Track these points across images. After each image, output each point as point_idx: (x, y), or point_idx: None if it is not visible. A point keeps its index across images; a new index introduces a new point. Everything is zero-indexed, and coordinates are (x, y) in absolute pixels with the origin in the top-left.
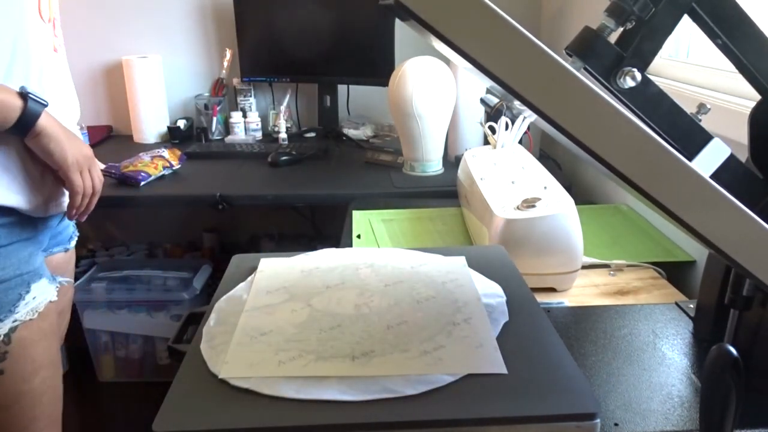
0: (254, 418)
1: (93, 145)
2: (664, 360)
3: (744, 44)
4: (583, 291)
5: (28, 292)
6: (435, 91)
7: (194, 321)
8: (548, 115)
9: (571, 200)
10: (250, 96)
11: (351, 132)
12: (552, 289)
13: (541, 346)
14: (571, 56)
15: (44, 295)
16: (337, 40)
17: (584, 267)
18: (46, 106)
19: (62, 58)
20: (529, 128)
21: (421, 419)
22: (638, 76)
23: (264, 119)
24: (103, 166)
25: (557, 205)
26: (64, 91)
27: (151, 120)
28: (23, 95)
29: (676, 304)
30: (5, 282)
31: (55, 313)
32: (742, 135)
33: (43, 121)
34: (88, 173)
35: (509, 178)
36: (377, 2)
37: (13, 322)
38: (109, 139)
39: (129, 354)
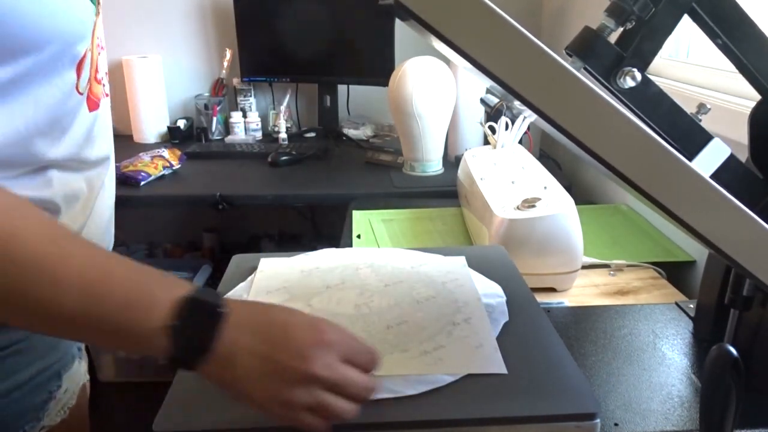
0: (254, 418)
1: None
2: (664, 360)
3: (744, 44)
4: (583, 291)
5: (59, 386)
6: (435, 91)
7: None
8: (548, 115)
9: (571, 200)
10: (250, 96)
11: (351, 132)
12: (552, 289)
13: (541, 346)
14: (571, 56)
15: (77, 381)
16: (337, 40)
17: (584, 267)
18: (207, 349)
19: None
20: (529, 128)
21: (421, 419)
22: (638, 76)
23: (264, 119)
24: None
25: (557, 205)
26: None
27: (151, 120)
28: (176, 330)
29: (676, 304)
30: (29, 383)
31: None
32: (742, 135)
33: (207, 371)
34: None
35: (509, 178)
36: (377, 2)
37: (40, 430)
38: None
39: (129, 354)
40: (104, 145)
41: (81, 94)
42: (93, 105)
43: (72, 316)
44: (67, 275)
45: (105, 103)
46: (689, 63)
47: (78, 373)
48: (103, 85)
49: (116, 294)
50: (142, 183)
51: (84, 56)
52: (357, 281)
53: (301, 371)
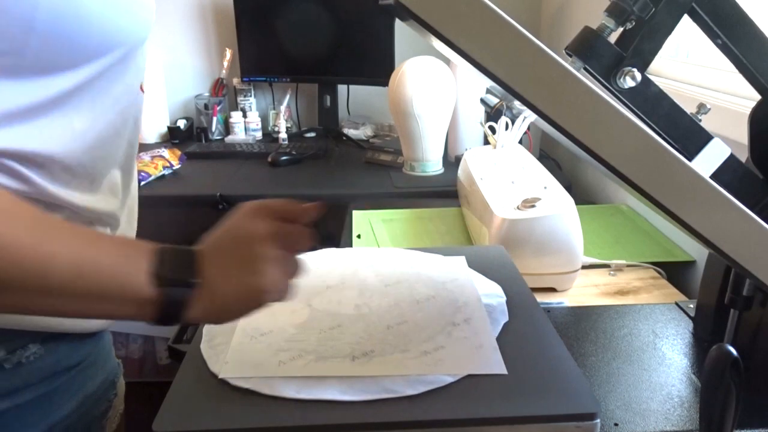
0: (254, 418)
1: None
2: (664, 360)
3: (744, 44)
4: (583, 291)
5: (115, 394)
6: (435, 91)
7: None
8: (548, 115)
9: (571, 200)
10: (250, 96)
11: (351, 132)
12: (552, 289)
13: (541, 346)
14: (571, 56)
15: (122, 388)
16: (337, 40)
17: (584, 267)
18: (193, 286)
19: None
20: (529, 128)
21: (421, 419)
22: (638, 76)
23: (264, 119)
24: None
25: (557, 205)
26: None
27: (151, 120)
28: (160, 277)
29: (676, 304)
30: (94, 394)
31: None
32: (742, 135)
33: (194, 313)
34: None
35: (509, 178)
36: (377, 2)
37: None
38: None
39: (129, 354)
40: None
41: (143, 92)
42: None
43: (62, 287)
44: (55, 247)
45: None
46: (689, 63)
47: (122, 381)
48: None
49: (104, 253)
50: (142, 183)
51: (145, 58)
52: (357, 281)
53: (253, 245)
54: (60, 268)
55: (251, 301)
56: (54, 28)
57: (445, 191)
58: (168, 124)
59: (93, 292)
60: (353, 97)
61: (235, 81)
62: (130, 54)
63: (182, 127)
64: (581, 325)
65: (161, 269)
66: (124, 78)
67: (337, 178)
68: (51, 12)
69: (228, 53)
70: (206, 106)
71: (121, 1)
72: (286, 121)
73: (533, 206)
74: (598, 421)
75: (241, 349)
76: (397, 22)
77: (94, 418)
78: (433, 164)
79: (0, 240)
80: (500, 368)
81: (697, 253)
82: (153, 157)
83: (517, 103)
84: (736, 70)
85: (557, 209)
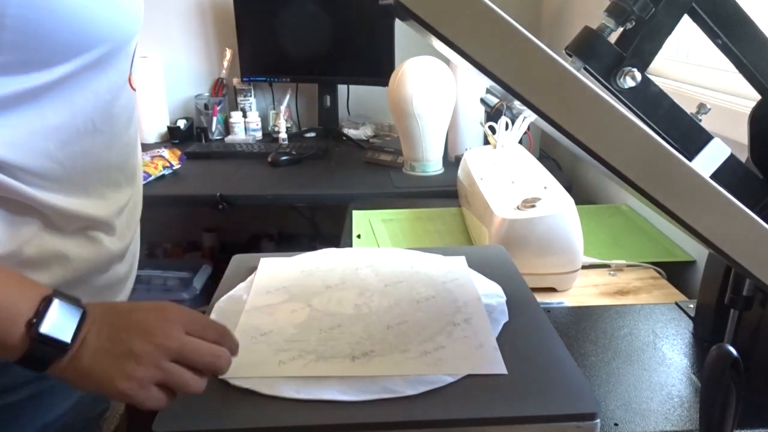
0: (254, 418)
1: None
2: (664, 360)
3: (744, 44)
4: (583, 291)
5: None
6: (435, 91)
7: None
8: (548, 115)
9: (571, 200)
10: (250, 96)
11: (351, 132)
12: (552, 289)
13: (541, 346)
14: (571, 56)
15: None
16: (337, 40)
17: (584, 267)
18: (65, 349)
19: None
20: (529, 128)
21: (421, 419)
22: (638, 76)
23: (264, 119)
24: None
25: (557, 205)
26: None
27: (151, 120)
28: (34, 331)
29: (676, 304)
30: (89, 395)
31: None
32: (742, 135)
33: (56, 370)
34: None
35: (509, 178)
36: (377, 2)
37: None
38: None
39: None
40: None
41: (134, 89)
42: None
43: None
44: None
45: None
46: (689, 63)
47: None
48: None
49: None
50: (142, 183)
51: (134, 51)
52: (357, 281)
53: (143, 343)
54: None
55: (105, 387)
56: (26, 24)
57: (445, 191)
58: (168, 124)
59: None
60: (353, 97)
61: (235, 81)
62: (115, 50)
63: (182, 127)
64: (581, 325)
65: (38, 324)
66: (107, 74)
67: (337, 178)
68: (22, 6)
69: (228, 53)
70: (206, 106)
71: None
72: (286, 121)
73: (533, 206)
74: (598, 421)
75: (241, 349)
76: (397, 22)
77: (91, 419)
78: (433, 164)
79: None
80: (500, 368)
81: (697, 253)
82: (153, 157)
83: (517, 103)
84: (736, 70)
85: (557, 209)
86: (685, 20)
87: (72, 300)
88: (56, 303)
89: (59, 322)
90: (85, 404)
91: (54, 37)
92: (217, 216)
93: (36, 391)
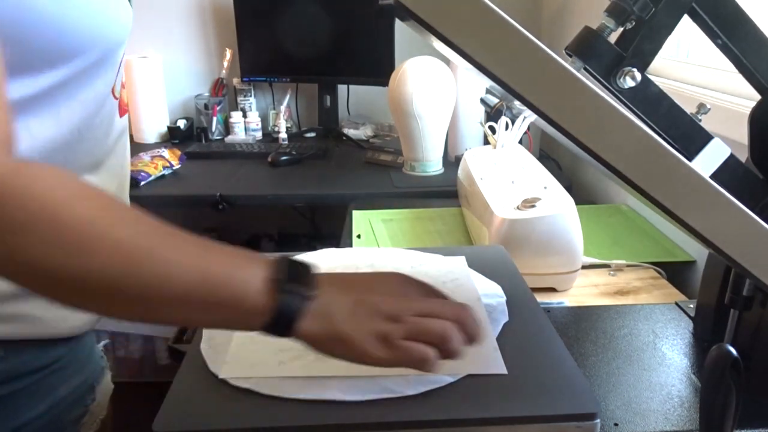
0: (254, 418)
1: None
2: (664, 360)
3: (744, 44)
4: (583, 291)
5: (93, 399)
6: (435, 91)
7: None
8: (548, 115)
9: (571, 200)
10: (250, 96)
11: (351, 132)
12: (552, 289)
13: (541, 346)
14: (571, 56)
15: (106, 392)
16: (337, 40)
17: (584, 267)
18: (308, 298)
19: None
20: (529, 128)
21: (421, 419)
22: (638, 76)
23: (264, 119)
24: None
25: (557, 205)
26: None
27: (151, 120)
28: (278, 284)
29: (676, 304)
30: (66, 399)
31: None
32: (742, 135)
33: (306, 327)
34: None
35: (509, 178)
36: (377, 2)
37: None
38: None
39: (129, 354)
40: (126, 152)
41: (116, 98)
42: (122, 111)
43: (181, 293)
44: (173, 254)
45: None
46: (689, 63)
47: (107, 385)
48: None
49: (218, 262)
50: (142, 183)
51: (121, 60)
52: None
53: (392, 302)
54: (178, 275)
55: (354, 345)
56: (5, 26)
57: (445, 191)
58: (168, 124)
59: (209, 300)
60: (353, 97)
61: (235, 81)
62: (102, 59)
63: (182, 127)
64: (581, 325)
65: (279, 276)
66: (93, 84)
67: (337, 178)
68: (1, 8)
69: (228, 53)
70: (206, 106)
71: (89, 2)
72: (286, 121)
73: (533, 206)
74: (598, 421)
75: (241, 349)
76: (397, 22)
77: (66, 423)
78: (433, 164)
79: (120, 246)
80: (500, 368)
81: (697, 253)
82: (153, 157)
83: (517, 103)
84: (736, 70)
85: (557, 209)
86: (685, 20)
87: (297, 259)
88: (287, 260)
89: (297, 276)
90: (61, 407)
91: (37, 42)
92: (217, 216)
93: (7, 392)
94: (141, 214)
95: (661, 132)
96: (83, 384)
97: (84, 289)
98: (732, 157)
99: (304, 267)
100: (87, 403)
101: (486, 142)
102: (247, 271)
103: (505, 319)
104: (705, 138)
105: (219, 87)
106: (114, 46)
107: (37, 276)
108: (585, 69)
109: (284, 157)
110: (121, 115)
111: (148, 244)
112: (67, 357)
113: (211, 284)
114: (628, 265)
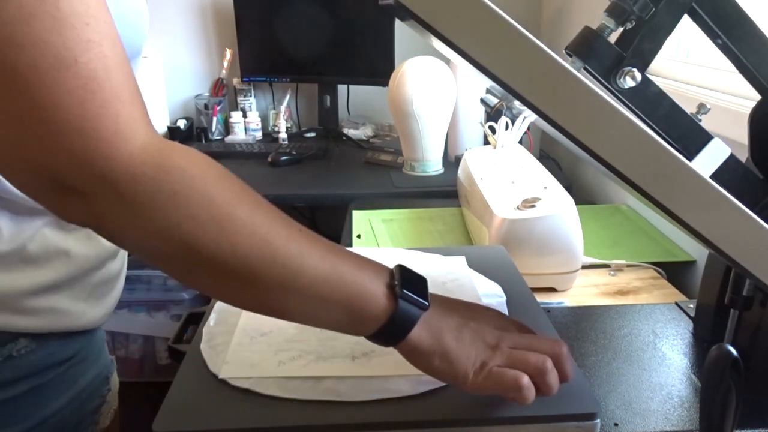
0: (254, 418)
1: None
2: (664, 360)
3: (744, 44)
4: (583, 291)
5: (109, 390)
6: (435, 91)
7: (194, 321)
8: (548, 115)
9: (571, 200)
10: (250, 96)
11: (351, 132)
12: (552, 289)
13: None
14: (571, 56)
15: (116, 384)
16: (337, 40)
17: (584, 267)
18: (425, 308)
19: None
20: (529, 128)
21: (421, 419)
22: (638, 76)
23: (264, 119)
24: None
25: (557, 205)
26: None
27: (151, 120)
28: (392, 290)
29: (676, 304)
30: (86, 389)
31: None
32: (742, 135)
33: (416, 336)
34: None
35: (509, 178)
36: (377, 2)
37: None
38: None
39: (129, 354)
40: None
41: None
42: None
43: (311, 286)
44: (306, 246)
45: None
46: (689, 63)
47: (116, 378)
48: None
49: (346, 259)
50: None
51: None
52: None
53: (493, 330)
54: (312, 267)
55: (456, 365)
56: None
57: (445, 191)
58: (168, 124)
59: (334, 296)
60: (353, 97)
61: (235, 81)
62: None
63: (182, 127)
64: (581, 325)
65: (397, 283)
66: None
67: (337, 178)
68: None
69: (228, 53)
70: (206, 106)
71: (111, 8)
72: (286, 121)
73: (533, 206)
74: (598, 421)
75: (241, 349)
76: (397, 22)
77: (87, 414)
78: (433, 164)
79: (260, 231)
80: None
81: (697, 253)
82: None
83: (517, 103)
84: (736, 70)
85: (557, 209)
86: (685, 20)
87: (412, 270)
88: (403, 268)
89: (413, 284)
90: (83, 398)
91: None
92: None
93: (36, 384)
94: (268, 202)
95: (661, 132)
96: (99, 375)
97: (224, 271)
98: (732, 157)
99: (420, 278)
100: (104, 393)
101: (486, 142)
102: (370, 273)
103: None
104: (705, 138)
105: (219, 87)
106: (133, 51)
107: (181, 252)
108: (585, 69)
109: (284, 157)
110: None
111: (286, 232)
112: (85, 349)
113: (340, 280)
114: (628, 265)
